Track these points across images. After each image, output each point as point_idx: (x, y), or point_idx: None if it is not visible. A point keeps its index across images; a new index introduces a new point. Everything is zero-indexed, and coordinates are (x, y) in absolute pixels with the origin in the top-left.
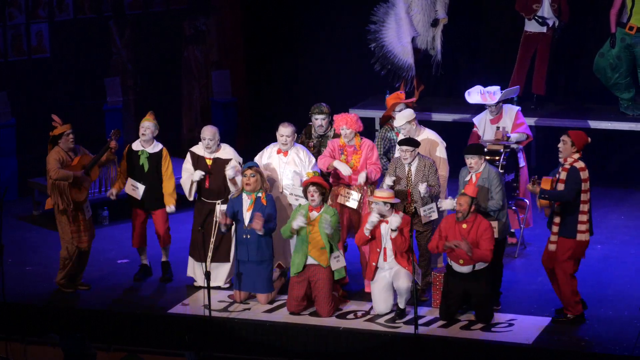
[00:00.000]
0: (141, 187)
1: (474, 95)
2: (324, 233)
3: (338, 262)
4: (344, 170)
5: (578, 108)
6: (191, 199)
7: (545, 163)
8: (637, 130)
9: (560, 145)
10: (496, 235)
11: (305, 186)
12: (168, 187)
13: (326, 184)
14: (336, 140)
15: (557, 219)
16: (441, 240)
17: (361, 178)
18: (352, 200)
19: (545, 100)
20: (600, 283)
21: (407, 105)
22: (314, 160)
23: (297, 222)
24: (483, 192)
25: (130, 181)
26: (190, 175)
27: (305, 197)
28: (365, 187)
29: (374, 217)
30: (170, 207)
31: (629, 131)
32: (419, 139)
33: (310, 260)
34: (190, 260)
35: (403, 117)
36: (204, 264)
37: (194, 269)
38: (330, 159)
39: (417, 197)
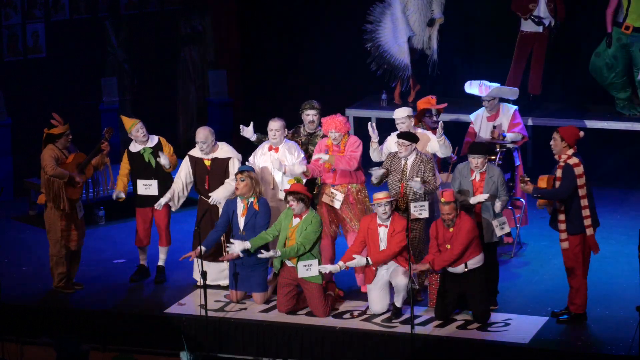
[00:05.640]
0: (154, 183)
1: (474, 86)
2: (298, 240)
3: (307, 271)
4: (323, 157)
5: (574, 108)
6: (159, 207)
7: (541, 163)
8: (634, 130)
9: (551, 142)
10: (505, 231)
11: (285, 195)
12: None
13: (305, 190)
14: (323, 141)
15: (562, 217)
16: (432, 257)
17: (324, 157)
18: (336, 200)
19: (541, 100)
20: (596, 283)
21: (438, 111)
22: (302, 155)
23: (267, 255)
24: (492, 192)
25: (140, 182)
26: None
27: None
28: (349, 187)
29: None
30: (163, 157)
31: (625, 131)
32: None
33: (290, 264)
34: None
35: (404, 110)
36: (200, 263)
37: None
38: (316, 163)
39: (410, 192)
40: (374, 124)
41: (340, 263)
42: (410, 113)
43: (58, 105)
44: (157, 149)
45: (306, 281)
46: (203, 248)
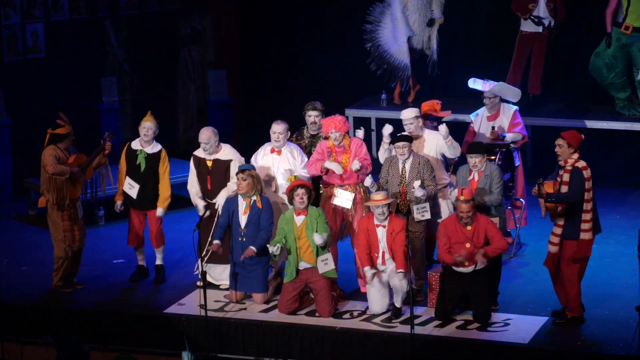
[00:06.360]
0: (136, 187)
1: (477, 83)
2: (311, 237)
3: (326, 265)
4: (336, 169)
5: (574, 108)
6: (202, 214)
7: (540, 163)
8: (633, 130)
9: (557, 149)
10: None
11: (291, 190)
12: (163, 190)
13: (311, 185)
14: (325, 142)
15: (560, 221)
16: (450, 255)
17: (355, 165)
18: (346, 200)
19: (541, 100)
20: (596, 283)
21: (439, 118)
22: (306, 159)
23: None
24: (483, 191)
25: (127, 179)
26: (196, 195)
27: (290, 202)
28: (357, 187)
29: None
30: (159, 210)
31: (625, 131)
32: (422, 138)
33: (305, 265)
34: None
35: (412, 111)
36: (200, 263)
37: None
38: (320, 162)
39: (411, 195)
40: (389, 126)
41: (367, 268)
42: (418, 113)
43: (58, 105)
44: (153, 158)
45: (322, 277)
46: (217, 242)
